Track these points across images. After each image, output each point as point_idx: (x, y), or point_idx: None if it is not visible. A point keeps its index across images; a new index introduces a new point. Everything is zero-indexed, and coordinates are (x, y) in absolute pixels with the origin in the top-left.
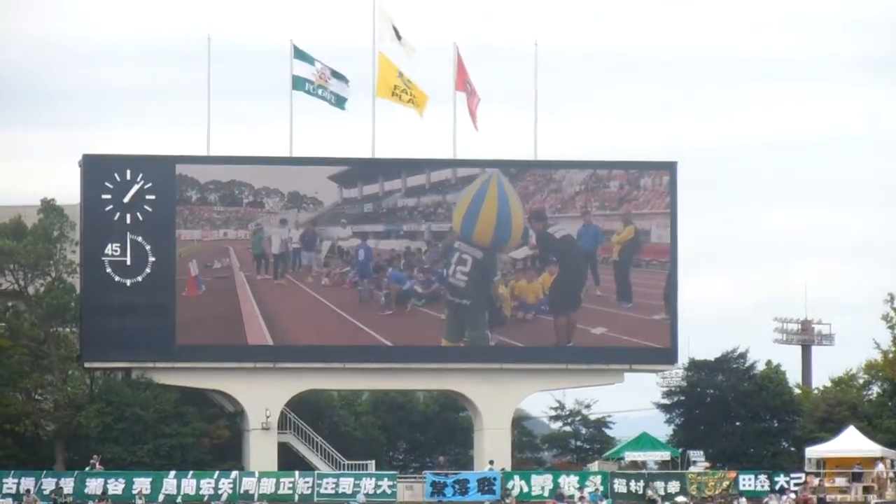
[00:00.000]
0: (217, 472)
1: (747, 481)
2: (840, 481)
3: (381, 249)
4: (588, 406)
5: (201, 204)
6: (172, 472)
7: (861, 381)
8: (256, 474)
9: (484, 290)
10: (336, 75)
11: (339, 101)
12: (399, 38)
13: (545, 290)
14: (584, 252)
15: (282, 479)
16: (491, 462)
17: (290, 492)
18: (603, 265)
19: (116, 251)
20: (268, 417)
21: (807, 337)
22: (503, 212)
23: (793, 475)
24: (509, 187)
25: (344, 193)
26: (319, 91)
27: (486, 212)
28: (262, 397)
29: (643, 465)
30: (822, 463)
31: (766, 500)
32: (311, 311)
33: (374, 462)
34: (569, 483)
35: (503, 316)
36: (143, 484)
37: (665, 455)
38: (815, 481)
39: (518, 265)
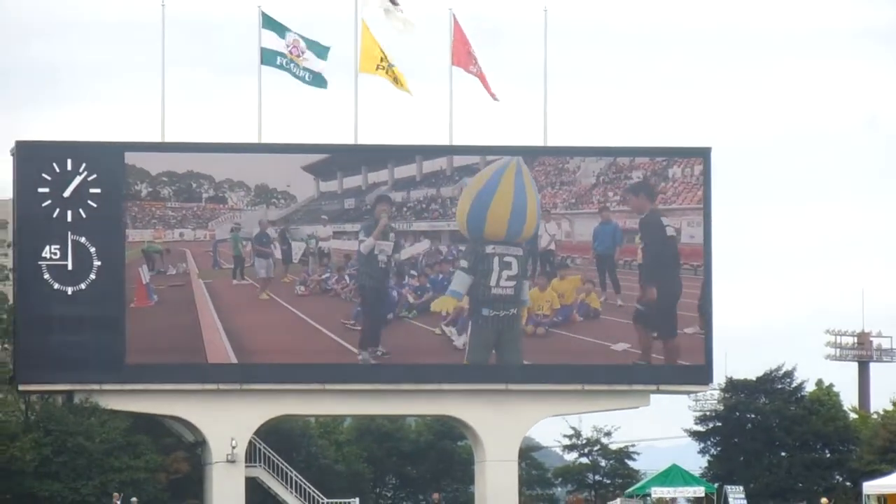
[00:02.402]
0: None
1: None
2: None
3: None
4: (608, 434)
5: (153, 199)
6: None
7: None
8: None
9: (522, 292)
10: (313, 47)
11: (317, 80)
12: (395, 3)
13: (563, 299)
14: (599, 255)
15: None
16: None
17: None
18: (625, 270)
19: (56, 254)
20: (234, 448)
21: (864, 352)
22: (518, 204)
23: None
24: (528, 178)
25: (321, 186)
26: (292, 67)
27: (497, 205)
28: (226, 425)
29: (673, 502)
30: (882, 500)
31: None
32: (284, 324)
33: (358, 500)
34: None
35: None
36: None
37: (699, 491)
38: None
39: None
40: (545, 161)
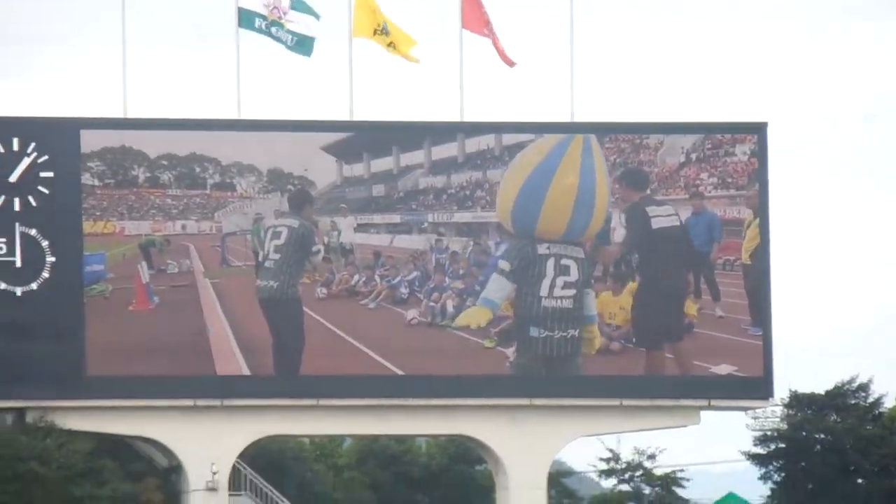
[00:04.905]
0: None
1: None
2: None
3: (396, 248)
4: (652, 457)
5: (152, 186)
6: None
7: None
8: None
9: (585, 306)
10: (299, 6)
11: (303, 45)
12: None
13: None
14: (696, 252)
15: None
16: None
17: None
18: (725, 272)
19: (1, 249)
20: (214, 475)
21: None
22: (585, 193)
23: None
24: (601, 159)
25: (345, 170)
26: (273, 30)
27: (556, 193)
28: (206, 447)
29: None
30: None
31: None
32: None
33: None
34: None
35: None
36: None
37: None
38: None
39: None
40: (617, 137)
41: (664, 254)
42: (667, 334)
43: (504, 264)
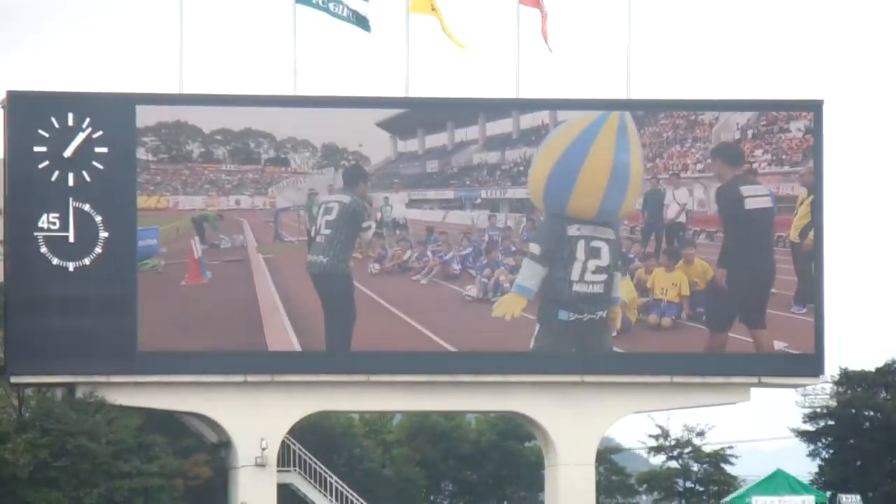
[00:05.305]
0: None
1: None
2: None
3: (449, 224)
4: (701, 434)
5: (206, 161)
6: None
7: None
8: None
9: (613, 288)
10: None
11: (361, 21)
12: None
13: (698, 282)
14: None
15: None
16: None
17: None
18: (779, 248)
19: (55, 224)
20: (264, 450)
21: None
22: (619, 171)
23: None
24: (636, 138)
25: (399, 146)
26: (331, 6)
27: (590, 171)
28: (256, 423)
29: None
30: None
31: None
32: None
33: None
34: None
35: (626, 321)
36: None
37: (808, 500)
38: None
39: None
40: (672, 114)
41: (753, 236)
42: (745, 318)
43: (534, 248)
